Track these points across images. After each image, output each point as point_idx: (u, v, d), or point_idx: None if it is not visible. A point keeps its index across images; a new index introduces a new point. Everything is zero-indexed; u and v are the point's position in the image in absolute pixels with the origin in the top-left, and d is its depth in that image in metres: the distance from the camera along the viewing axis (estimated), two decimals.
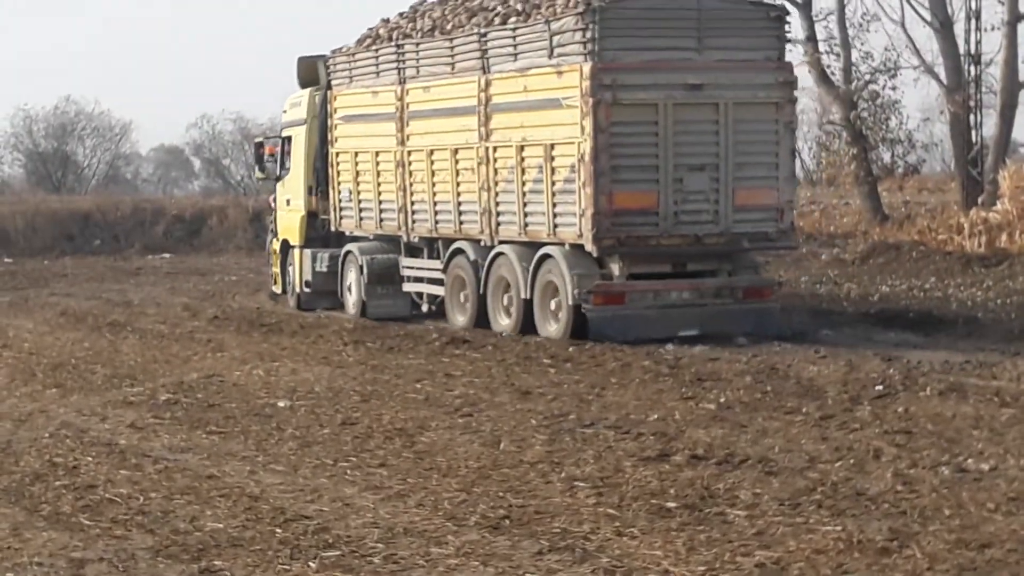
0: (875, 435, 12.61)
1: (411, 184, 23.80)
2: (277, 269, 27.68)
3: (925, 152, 44.16)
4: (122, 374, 17.90)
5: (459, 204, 22.67)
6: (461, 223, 22.69)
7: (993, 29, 37.37)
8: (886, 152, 41.37)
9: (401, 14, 25.25)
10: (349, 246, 25.28)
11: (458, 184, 22.67)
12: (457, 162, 22.67)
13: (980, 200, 36.03)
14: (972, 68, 37.38)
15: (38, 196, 54.86)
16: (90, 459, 12.61)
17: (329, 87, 26.00)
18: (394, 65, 24.07)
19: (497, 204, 21.81)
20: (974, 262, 29.89)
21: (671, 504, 10.35)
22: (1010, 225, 32.19)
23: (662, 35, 20.34)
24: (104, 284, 33.77)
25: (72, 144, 68.03)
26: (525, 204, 21.21)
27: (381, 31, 25.09)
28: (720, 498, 10.50)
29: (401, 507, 10.57)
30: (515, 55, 21.31)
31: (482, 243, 22.15)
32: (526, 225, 21.27)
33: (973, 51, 37.23)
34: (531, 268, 20.88)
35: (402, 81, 23.85)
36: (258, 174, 31.41)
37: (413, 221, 23.91)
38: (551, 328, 20.69)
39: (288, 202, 27.48)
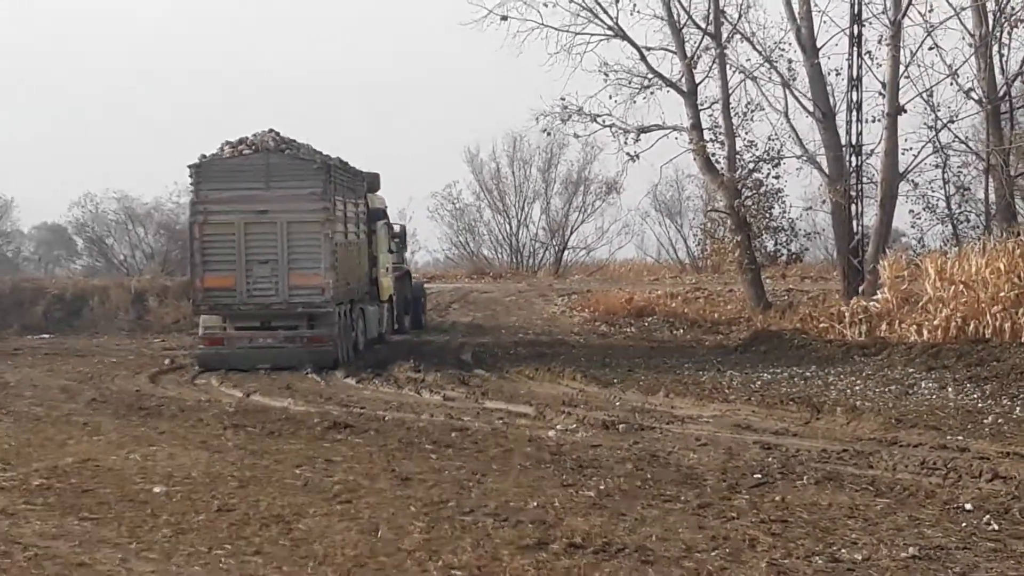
0: (751, 524, 12.64)
1: None
2: None
3: (808, 241, 44.76)
4: None
5: None
6: None
7: (874, 121, 38.13)
8: (769, 240, 41.97)
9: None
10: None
11: None
12: None
13: (861, 289, 36.55)
14: (853, 159, 38.03)
15: None
16: None
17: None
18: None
19: None
20: (854, 350, 30.22)
21: None
22: (890, 314, 32.62)
23: (241, 180, 30.39)
24: None
25: None
26: None
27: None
28: None
29: None
30: None
31: None
32: None
33: (854, 142, 37.88)
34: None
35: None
36: None
37: None
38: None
39: None
